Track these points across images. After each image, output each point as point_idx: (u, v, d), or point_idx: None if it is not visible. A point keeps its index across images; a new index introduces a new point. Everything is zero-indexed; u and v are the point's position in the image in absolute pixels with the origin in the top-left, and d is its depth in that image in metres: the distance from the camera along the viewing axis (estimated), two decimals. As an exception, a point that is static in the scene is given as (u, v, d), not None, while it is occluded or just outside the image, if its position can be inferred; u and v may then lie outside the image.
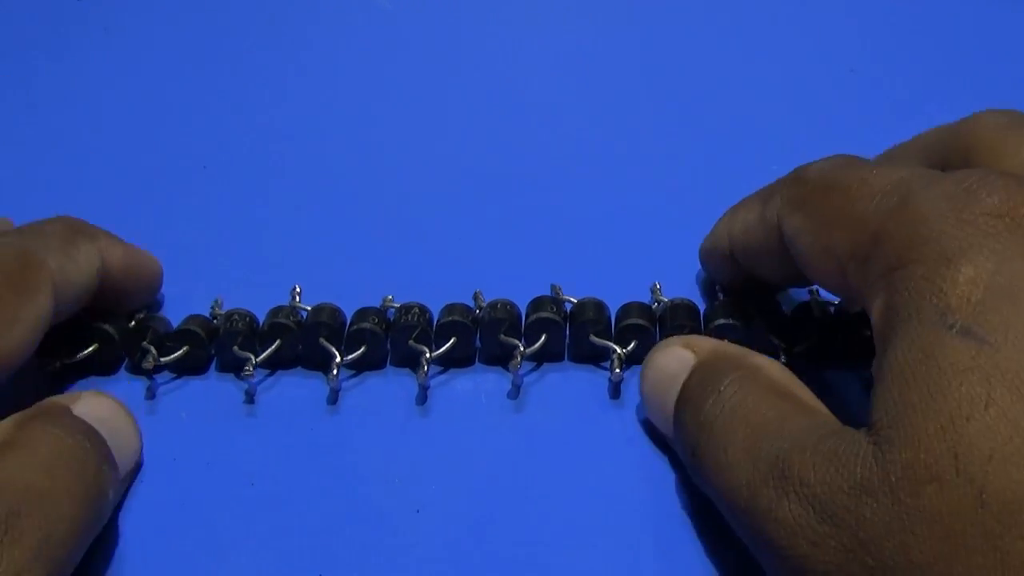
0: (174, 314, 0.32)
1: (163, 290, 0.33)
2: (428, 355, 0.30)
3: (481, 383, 0.31)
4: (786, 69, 0.41)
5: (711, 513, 0.26)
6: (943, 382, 0.20)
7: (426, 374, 0.29)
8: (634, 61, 0.43)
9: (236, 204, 0.37)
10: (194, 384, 0.31)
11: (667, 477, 0.28)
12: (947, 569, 0.19)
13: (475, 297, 0.31)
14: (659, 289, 0.32)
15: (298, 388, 0.31)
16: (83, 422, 0.25)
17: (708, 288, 0.33)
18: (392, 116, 0.41)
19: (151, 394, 0.30)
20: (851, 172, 0.25)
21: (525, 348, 0.30)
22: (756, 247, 0.29)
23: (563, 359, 0.31)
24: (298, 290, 0.32)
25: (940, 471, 0.19)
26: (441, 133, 0.40)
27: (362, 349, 0.30)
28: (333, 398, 0.30)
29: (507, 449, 0.29)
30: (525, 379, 0.31)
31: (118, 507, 0.27)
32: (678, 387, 0.27)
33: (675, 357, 0.28)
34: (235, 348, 0.30)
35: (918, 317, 0.21)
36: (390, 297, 0.31)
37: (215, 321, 0.31)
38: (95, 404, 0.26)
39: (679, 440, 0.27)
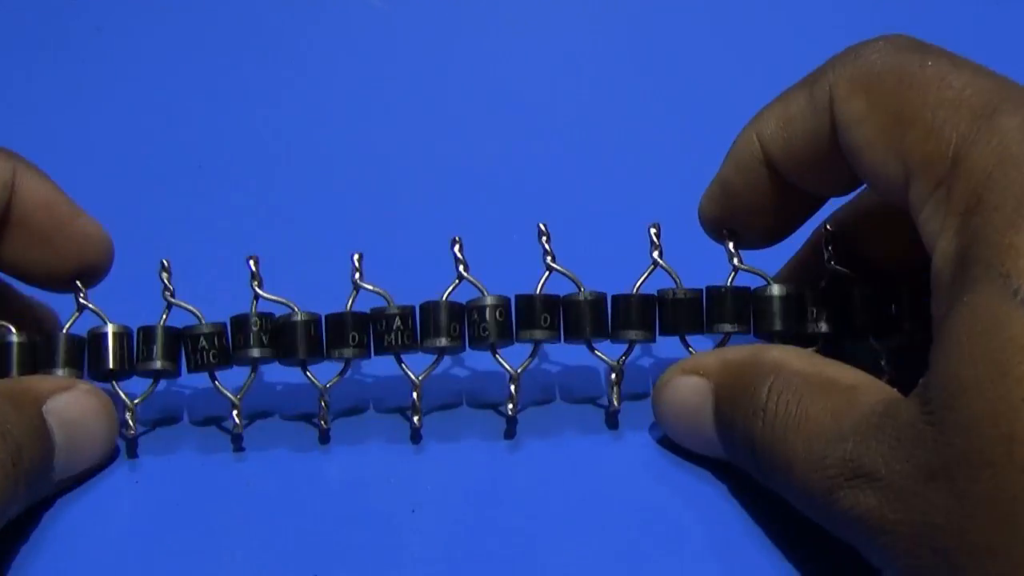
0: (121, 277, 0.30)
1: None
2: (416, 393, 0.28)
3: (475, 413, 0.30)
4: (786, 67, 0.40)
5: (704, 522, 0.27)
6: (1001, 359, 0.19)
7: (419, 424, 0.28)
8: (629, 57, 0.42)
9: (224, 199, 0.37)
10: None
11: (660, 481, 0.28)
12: (1007, 555, 0.18)
13: (456, 254, 0.29)
14: (657, 235, 0.29)
15: (284, 428, 0.30)
16: (38, 424, 0.25)
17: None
18: (387, 111, 0.40)
19: (132, 452, 0.29)
20: (927, 64, 0.23)
21: (518, 374, 0.28)
22: (800, 138, 0.26)
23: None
24: (253, 267, 0.29)
25: (995, 456, 0.19)
26: (433, 125, 0.40)
27: (343, 373, 0.29)
28: (324, 438, 0.30)
29: (503, 459, 0.29)
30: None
31: (112, 506, 0.28)
32: (707, 416, 0.27)
33: (688, 389, 0.27)
34: (216, 384, 0.29)
35: (986, 278, 0.20)
36: (359, 256, 0.29)
37: (169, 298, 0.29)
38: (73, 404, 0.27)
39: (739, 463, 0.26)
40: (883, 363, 0.28)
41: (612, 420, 0.30)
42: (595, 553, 0.27)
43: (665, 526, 0.27)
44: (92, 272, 0.29)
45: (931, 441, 0.20)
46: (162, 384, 0.31)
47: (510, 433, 0.30)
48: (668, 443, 0.29)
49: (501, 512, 0.28)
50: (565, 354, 0.32)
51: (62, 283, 0.29)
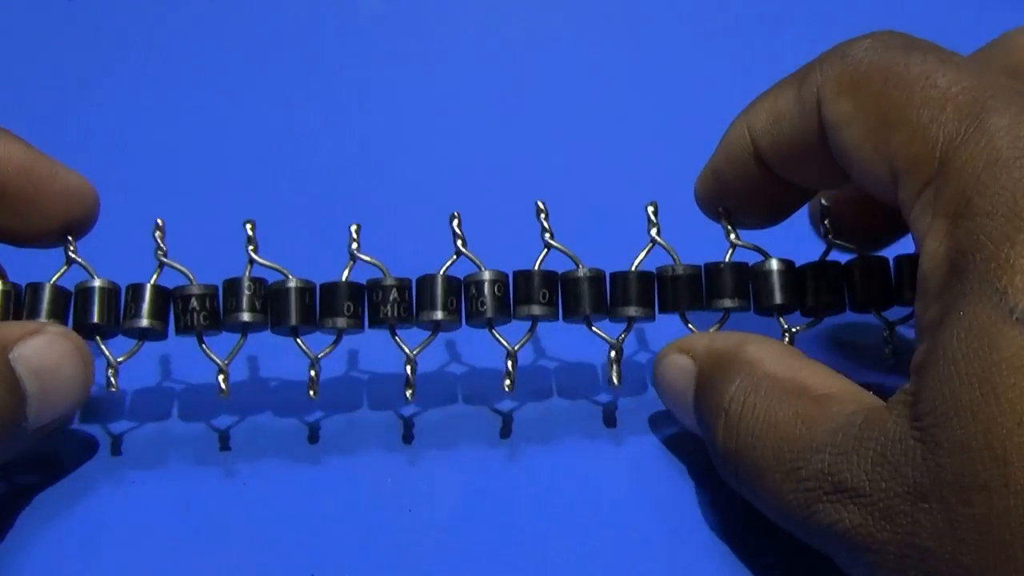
0: (113, 237, 0.29)
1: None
2: (410, 367, 0.28)
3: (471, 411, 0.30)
4: (785, 44, 0.40)
5: (702, 526, 0.26)
6: (996, 380, 0.18)
7: (411, 398, 0.28)
8: (628, 35, 0.43)
9: (223, 165, 0.37)
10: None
11: (657, 480, 0.28)
12: None
13: (454, 229, 0.28)
14: (655, 213, 0.28)
15: (280, 427, 0.29)
16: (5, 374, 0.24)
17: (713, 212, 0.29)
18: (391, 86, 0.40)
19: (116, 448, 0.29)
20: (913, 63, 0.23)
21: (515, 351, 0.28)
22: (788, 137, 0.25)
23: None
24: (250, 231, 0.28)
25: (989, 479, 0.18)
26: (435, 102, 0.40)
27: (335, 343, 0.28)
28: (314, 437, 0.29)
29: (499, 457, 0.28)
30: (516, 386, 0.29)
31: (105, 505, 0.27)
32: (691, 403, 0.26)
33: (677, 368, 0.27)
34: (203, 348, 0.28)
35: (981, 292, 0.19)
36: (356, 227, 0.29)
37: (162, 258, 0.28)
38: (44, 349, 0.25)
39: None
40: (886, 335, 0.27)
41: (610, 418, 0.29)
42: (590, 552, 0.26)
43: (662, 529, 0.27)
44: (79, 224, 0.28)
45: (921, 460, 0.19)
46: (153, 379, 0.30)
47: (506, 432, 0.29)
48: (669, 444, 0.29)
49: (496, 510, 0.27)
50: (562, 350, 0.31)
51: (51, 240, 0.28)
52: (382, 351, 0.29)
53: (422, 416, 0.29)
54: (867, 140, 0.23)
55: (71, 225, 0.28)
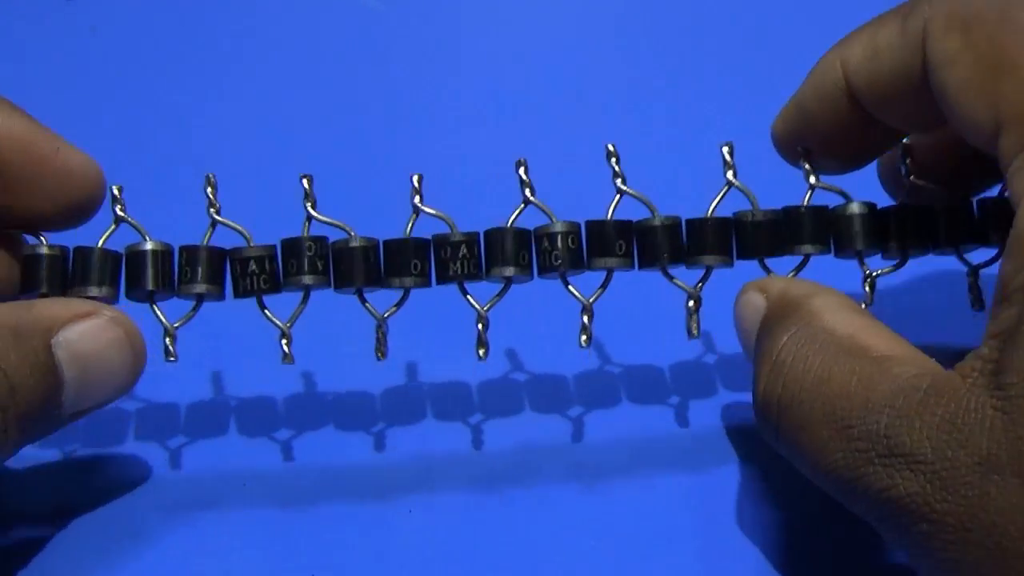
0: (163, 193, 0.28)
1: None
2: (482, 324, 0.26)
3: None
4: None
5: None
6: None
7: (484, 357, 0.27)
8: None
9: (273, 117, 0.36)
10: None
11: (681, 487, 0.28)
12: None
13: (521, 177, 0.27)
14: (730, 153, 0.27)
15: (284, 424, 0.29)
16: (42, 359, 0.23)
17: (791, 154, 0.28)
18: (447, 55, 0.39)
19: (167, 460, 0.29)
20: None
21: (590, 303, 0.26)
22: (887, 73, 0.24)
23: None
24: (307, 186, 0.27)
25: None
26: (495, 46, 0.39)
27: (401, 303, 0.26)
28: (376, 445, 0.29)
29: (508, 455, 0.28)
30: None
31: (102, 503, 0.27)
32: (753, 345, 0.25)
33: (751, 308, 0.25)
34: (266, 313, 0.26)
35: None
36: (418, 177, 0.27)
37: (215, 215, 0.26)
38: (89, 336, 0.24)
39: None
40: (970, 279, 0.27)
41: (682, 418, 0.29)
42: (599, 556, 0.26)
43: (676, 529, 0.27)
44: (82, 208, 0.26)
45: (1000, 430, 0.18)
46: (199, 393, 0.30)
47: (578, 436, 0.29)
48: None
49: (497, 507, 0.27)
50: (625, 353, 0.31)
51: (52, 224, 0.26)
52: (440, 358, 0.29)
53: (488, 423, 0.29)
54: (972, 83, 0.22)
55: (73, 208, 0.26)
